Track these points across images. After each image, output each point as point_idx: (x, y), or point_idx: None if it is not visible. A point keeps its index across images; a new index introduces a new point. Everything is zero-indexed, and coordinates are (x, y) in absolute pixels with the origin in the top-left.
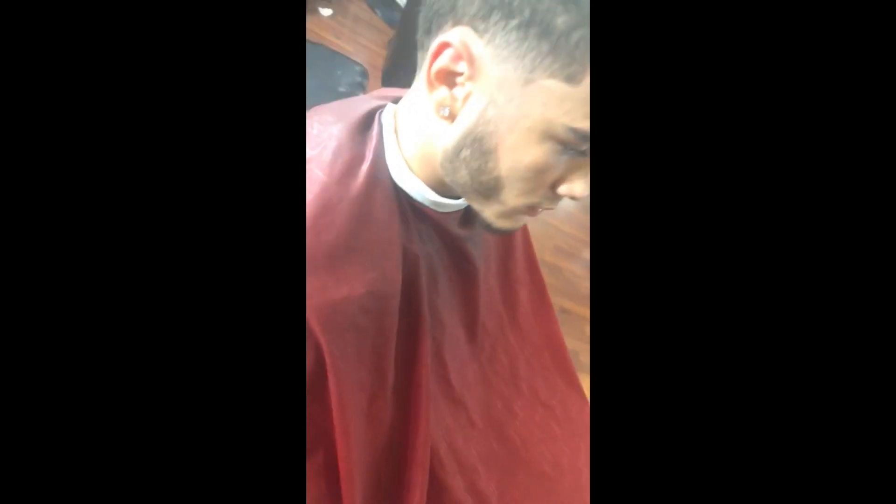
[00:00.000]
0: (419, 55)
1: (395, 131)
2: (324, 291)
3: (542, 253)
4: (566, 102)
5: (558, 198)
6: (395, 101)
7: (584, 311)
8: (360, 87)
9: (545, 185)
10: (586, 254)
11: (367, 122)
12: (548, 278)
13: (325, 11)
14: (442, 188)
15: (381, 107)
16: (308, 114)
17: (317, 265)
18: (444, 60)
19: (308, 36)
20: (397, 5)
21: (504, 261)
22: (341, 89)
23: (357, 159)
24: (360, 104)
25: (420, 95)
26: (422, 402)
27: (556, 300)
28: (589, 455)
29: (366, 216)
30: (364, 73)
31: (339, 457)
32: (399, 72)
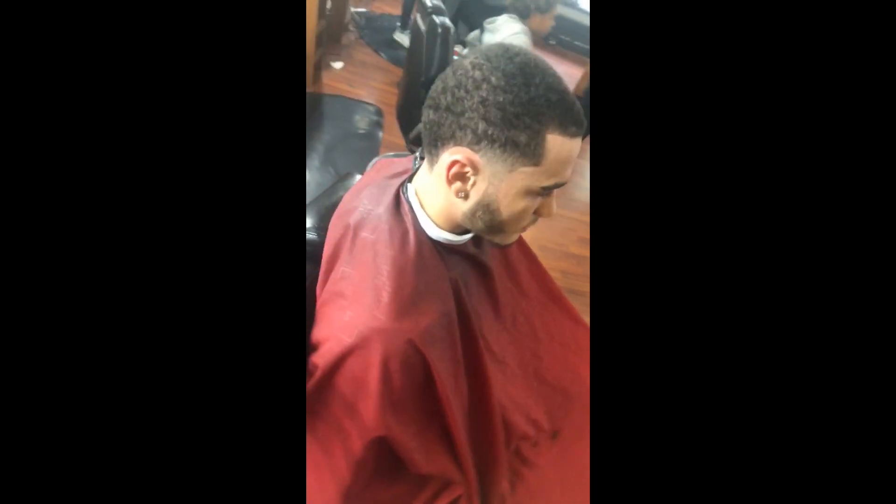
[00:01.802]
0: (427, 158)
1: (422, 205)
2: (417, 324)
3: None
4: (535, 175)
5: (536, 219)
6: (403, 173)
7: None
8: (377, 126)
9: (530, 215)
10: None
11: (396, 201)
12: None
13: (337, 64)
14: (458, 230)
15: (400, 186)
16: (350, 197)
17: (408, 309)
18: (456, 169)
19: (325, 90)
20: (398, 44)
21: (504, 252)
22: (361, 131)
23: (404, 233)
24: (386, 189)
25: (438, 184)
26: (487, 369)
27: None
28: None
29: (423, 268)
30: (379, 113)
31: (449, 421)
32: (412, 109)
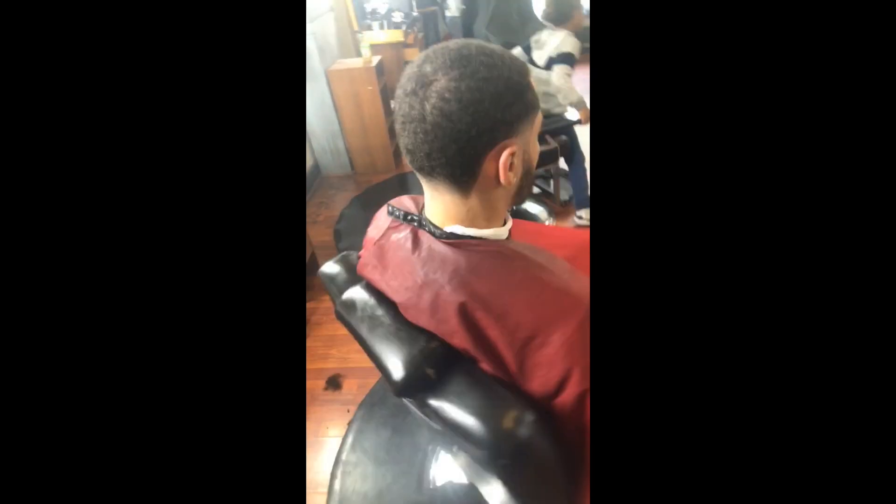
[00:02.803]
0: (459, 188)
1: (473, 228)
2: (584, 283)
3: None
4: (539, 116)
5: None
6: (417, 241)
7: None
8: None
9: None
10: None
11: (466, 253)
12: None
13: None
14: (503, 221)
15: (440, 242)
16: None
17: (570, 280)
18: (511, 160)
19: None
20: None
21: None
22: None
23: (499, 253)
24: (433, 257)
25: (486, 197)
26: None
27: None
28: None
29: (533, 254)
30: None
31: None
32: None
